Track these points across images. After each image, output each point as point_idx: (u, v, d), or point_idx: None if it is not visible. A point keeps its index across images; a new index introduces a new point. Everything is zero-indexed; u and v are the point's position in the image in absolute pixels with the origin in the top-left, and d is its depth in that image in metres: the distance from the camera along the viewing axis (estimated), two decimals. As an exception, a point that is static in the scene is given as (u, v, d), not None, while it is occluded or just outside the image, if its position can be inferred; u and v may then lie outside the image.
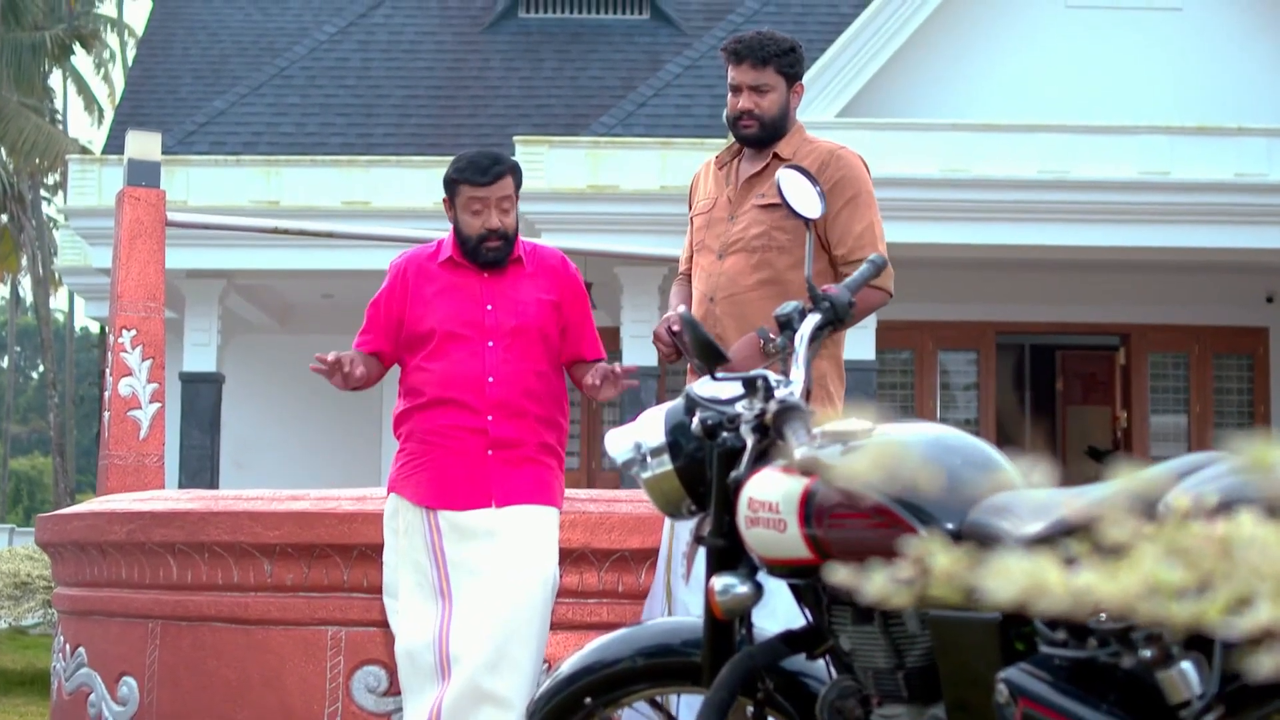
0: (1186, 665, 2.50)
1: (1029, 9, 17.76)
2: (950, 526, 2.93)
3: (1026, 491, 2.94)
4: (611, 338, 16.26)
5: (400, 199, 16.55)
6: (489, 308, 5.10)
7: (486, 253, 5.08)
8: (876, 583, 1.31)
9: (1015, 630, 2.82)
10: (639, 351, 16.67)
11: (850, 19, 18.04)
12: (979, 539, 2.87)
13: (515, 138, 16.70)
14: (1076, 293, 18.44)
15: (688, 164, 16.14)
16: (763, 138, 5.16)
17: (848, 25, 17.57)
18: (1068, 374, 21.03)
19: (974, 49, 17.72)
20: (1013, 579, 1.15)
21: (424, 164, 16.82)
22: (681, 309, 3.40)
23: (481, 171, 5.05)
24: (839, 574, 1.44)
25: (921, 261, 15.70)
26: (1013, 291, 18.43)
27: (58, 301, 44.29)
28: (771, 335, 4.91)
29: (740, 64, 5.15)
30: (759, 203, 5.11)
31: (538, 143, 16.64)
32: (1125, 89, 17.43)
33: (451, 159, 5.21)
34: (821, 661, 3.37)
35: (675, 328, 4.91)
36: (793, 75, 5.17)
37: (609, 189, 16.48)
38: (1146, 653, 2.53)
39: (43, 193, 38.22)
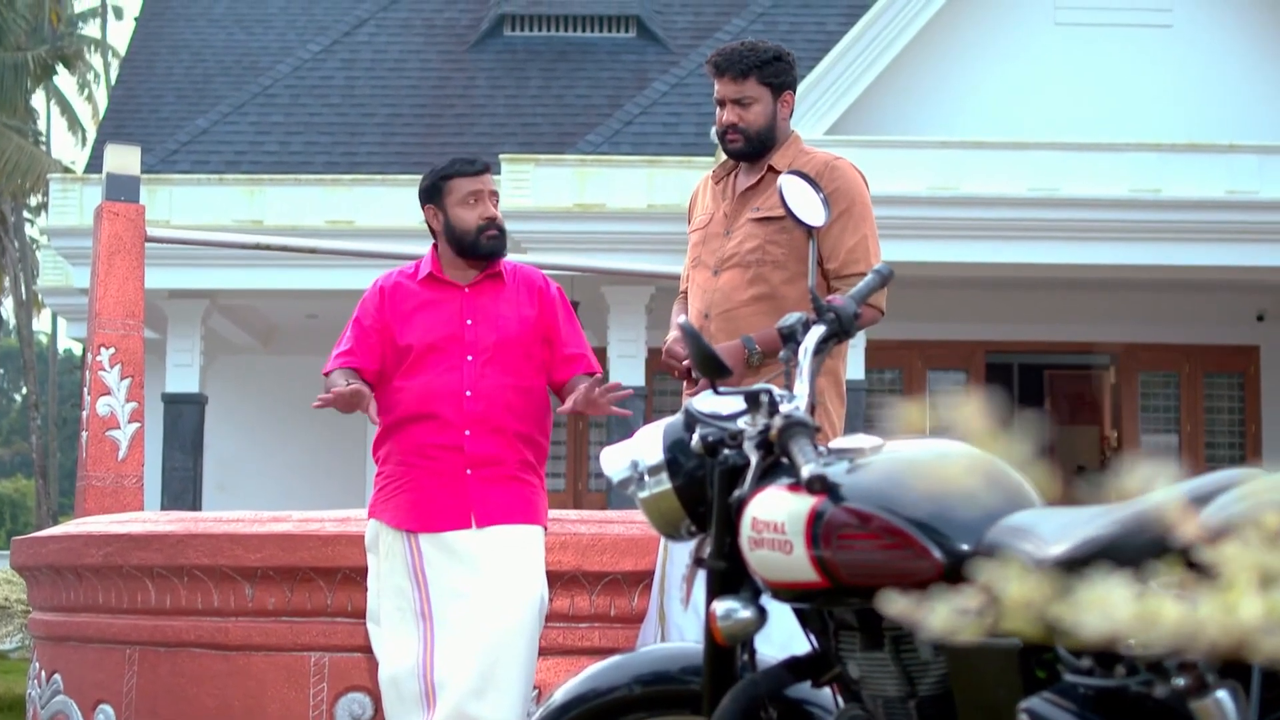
0: (1223, 694, 2.35)
1: (1018, 26, 17.68)
2: (965, 547, 2.78)
3: (1047, 510, 2.79)
4: (598, 358, 16.10)
5: (385, 218, 16.40)
6: (469, 322, 5.01)
7: (487, 242, 5.02)
8: (940, 614, 1.16)
9: (1036, 657, 2.67)
10: (626, 371, 16.54)
11: (838, 36, 17.94)
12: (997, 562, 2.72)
13: (501, 156, 16.56)
14: (1067, 311, 18.34)
15: (675, 183, 16.03)
16: (749, 151, 5.05)
17: (835, 43, 17.48)
18: (1055, 394, 20.93)
19: (963, 66, 17.64)
20: (1113, 612, 1.00)
21: (409, 183, 16.61)
22: (682, 319, 3.24)
23: (468, 162, 5.08)
24: (897, 604, 1.29)
25: (910, 280, 15.55)
26: (1002, 310, 18.32)
27: (41, 323, 44.16)
28: (757, 347, 4.80)
29: (722, 77, 5.06)
30: (754, 216, 5.01)
31: (524, 161, 16.52)
32: (1115, 106, 17.35)
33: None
34: (828, 690, 3.22)
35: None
36: (779, 85, 5.05)
37: (596, 208, 16.36)
38: (1180, 681, 2.38)
39: (25, 214, 38.03)
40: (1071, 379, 20.73)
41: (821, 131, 16.38)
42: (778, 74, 5.05)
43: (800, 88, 16.82)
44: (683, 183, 16.14)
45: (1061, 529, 2.63)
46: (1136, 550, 2.41)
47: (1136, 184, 15.94)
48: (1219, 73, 17.64)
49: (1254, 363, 18.97)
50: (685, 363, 4.92)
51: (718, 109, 5.10)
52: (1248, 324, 18.81)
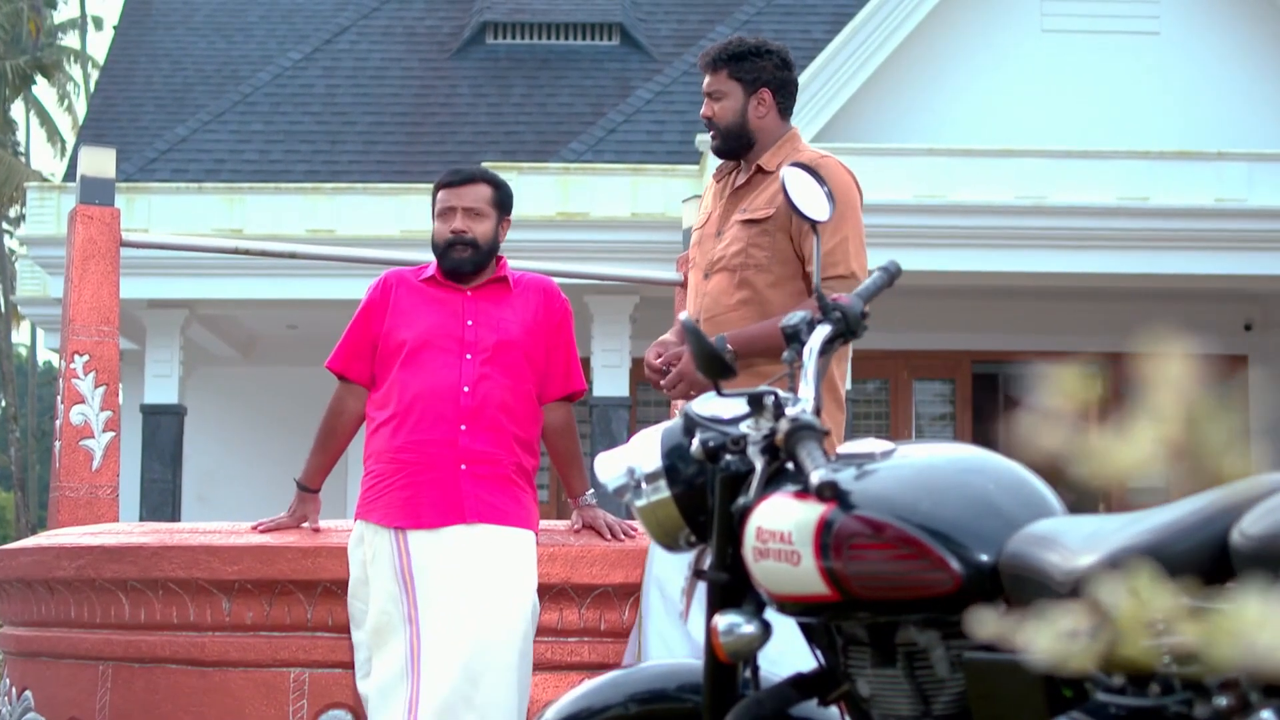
0: (1268, 715, 2.19)
1: (1005, 33, 17.57)
2: (985, 558, 2.62)
3: (1072, 518, 2.63)
4: (582, 368, 15.96)
5: (366, 227, 16.20)
6: (469, 323, 4.95)
7: (452, 257, 4.96)
8: (1044, 639, 0.99)
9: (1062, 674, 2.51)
10: (610, 381, 16.40)
11: (823, 44, 17.82)
12: (1020, 573, 2.56)
13: (484, 164, 16.40)
14: (1054, 321, 18.21)
15: (659, 191, 15.91)
16: (723, 148, 4.99)
17: (821, 50, 17.36)
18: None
19: (950, 73, 17.52)
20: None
21: (390, 191, 16.51)
22: (683, 315, 3.08)
23: (453, 173, 5.07)
24: (990, 626, 1.13)
25: (897, 289, 15.23)
26: (989, 320, 18.19)
27: (20, 336, 43.88)
28: (730, 347, 4.65)
29: (702, 72, 5.04)
30: (740, 218, 4.91)
31: (507, 169, 16.34)
32: (1104, 113, 17.24)
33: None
34: (834, 709, 3.05)
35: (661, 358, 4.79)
36: (752, 80, 4.94)
37: (579, 216, 16.22)
38: (1222, 700, 2.22)
39: (4, 225, 37.82)
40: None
41: (807, 139, 16.24)
42: (749, 70, 4.94)
43: (786, 95, 16.79)
44: (667, 191, 16.01)
45: (1090, 538, 2.46)
46: (1177, 559, 2.25)
47: (1125, 192, 15.84)
48: (1208, 80, 17.54)
49: (1242, 372, 18.85)
50: (659, 372, 4.82)
51: None
52: (1236, 334, 18.70)
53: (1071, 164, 15.99)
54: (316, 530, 5.22)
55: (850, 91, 16.87)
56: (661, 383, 4.83)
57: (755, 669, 3.06)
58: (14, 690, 5.94)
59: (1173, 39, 17.58)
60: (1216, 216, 15.86)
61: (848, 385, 16.14)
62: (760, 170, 4.92)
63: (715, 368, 3.04)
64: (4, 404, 34.98)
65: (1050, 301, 17.93)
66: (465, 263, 4.96)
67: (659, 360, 4.82)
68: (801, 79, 16.62)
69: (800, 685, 3.03)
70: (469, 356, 4.89)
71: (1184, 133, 16.93)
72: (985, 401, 19.59)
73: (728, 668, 3.04)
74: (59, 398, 6.77)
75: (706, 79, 4.98)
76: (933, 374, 18.66)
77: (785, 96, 5.01)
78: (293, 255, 7.19)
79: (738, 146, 4.96)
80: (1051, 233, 15.82)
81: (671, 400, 5.06)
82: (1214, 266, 16.07)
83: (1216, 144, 16.46)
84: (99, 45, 51.74)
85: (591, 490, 5.23)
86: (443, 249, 4.96)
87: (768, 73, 4.96)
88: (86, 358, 6.67)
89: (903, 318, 16.47)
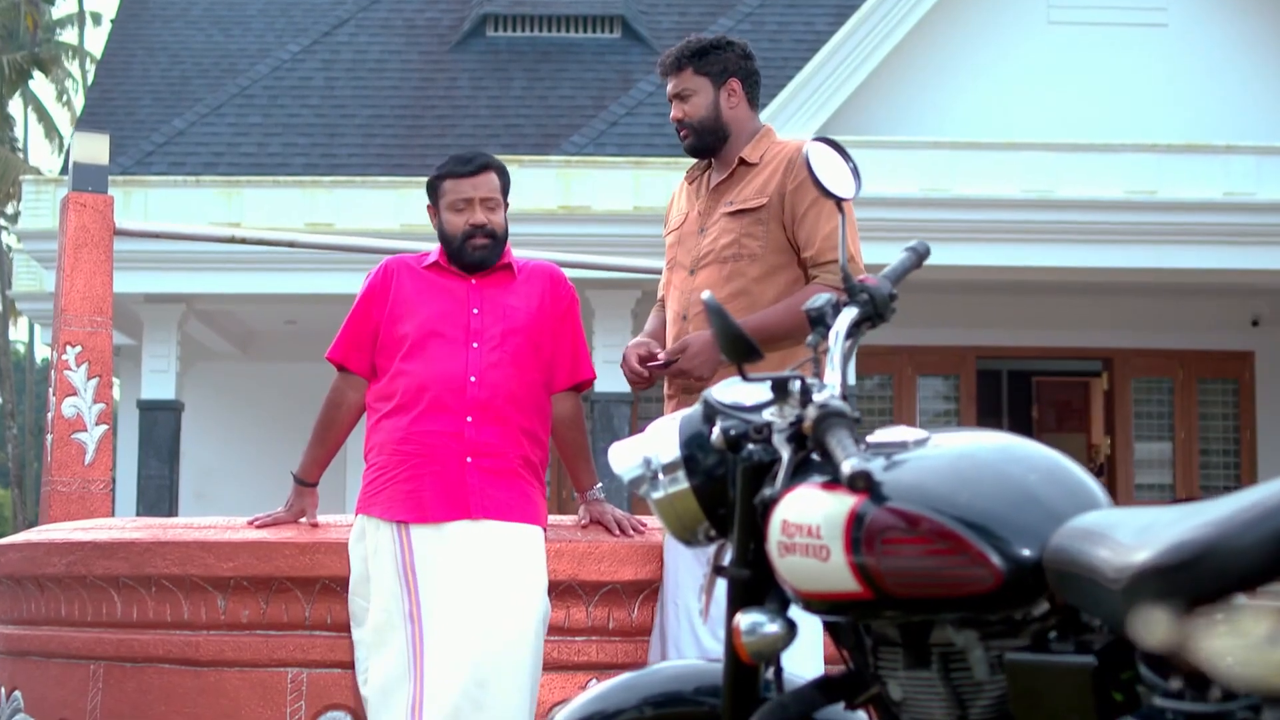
0: (1342, 723, 2.03)
1: (1011, 25, 17.45)
2: (1028, 553, 2.46)
3: (1120, 510, 2.46)
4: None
5: (365, 220, 16.01)
6: (475, 311, 4.81)
7: (472, 251, 4.82)
8: (1235, 648, 0.82)
9: (1112, 677, 2.35)
10: (611, 377, 16.20)
11: (827, 36, 17.70)
12: (1067, 569, 2.39)
13: (484, 157, 16.23)
14: (1060, 316, 18.09)
15: (661, 184, 15.76)
16: (700, 145, 4.90)
17: (824, 42, 17.25)
18: (1042, 402, 20.69)
19: (955, 66, 17.39)
20: None
21: (390, 184, 16.33)
22: (706, 294, 2.92)
23: (463, 162, 4.88)
24: (1160, 629, 0.96)
25: (901, 284, 15.27)
26: (994, 315, 18.06)
27: (18, 332, 43.76)
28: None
29: (665, 76, 4.95)
30: (727, 210, 4.82)
31: (508, 162, 16.05)
32: (1111, 106, 17.12)
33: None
34: (862, 713, 2.88)
35: (656, 351, 4.71)
36: (719, 73, 4.88)
37: (581, 210, 16.07)
38: (1292, 707, 2.05)
39: (2, 221, 37.69)
40: (1057, 387, 20.50)
41: (811, 132, 16.12)
42: (715, 62, 4.88)
43: (789, 88, 16.68)
44: (669, 184, 15.84)
45: (1144, 531, 2.29)
46: (1242, 553, 2.08)
47: (1132, 185, 15.71)
48: (1216, 73, 17.41)
49: (1249, 368, 18.72)
50: (646, 368, 4.73)
51: None
52: (1243, 329, 18.57)
53: (1078, 157, 15.85)
54: (314, 525, 5.07)
55: (855, 84, 16.76)
56: (668, 394, 4.75)
57: (779, 670, 2.90)
58: (3, 690, 5.80)
59: (1180, 32, 17.45)
60: (1224, 210, 15.73)
61: (850, 380, 16.01)
62: (743, 162, 4.86)
63: (740, 350, 2.87)
64: (1, 400, 34.85)
65: (1056, 296, 17.79)
66: (489, 256, 4.84)
67: (646, 371, 4.73)
68: (805, 72, 16.54)
69: (826, 688, 2.86)
70: (475, 345, 4.76)
71: (1192, 126, 16.80)
72: (989, 398, 19.45)
73: (749, 669, 2.88)
74: (51, 390, 6.62)
75: (671, 82, 4.91)
76: (937, 370, 18.51)
77: (752, 86, 4.96)
78: (291, 244, 7.04)
79: (713, 141, 4.89)
80: (1058, 226, 15.68)
81: (666, 397, 4.93)
82: (1221, 261, 15.93)
83: (1224, 137, 16.34)
84: (97, 41, 51.64)
85: (600, 484, 5.08)
86: (461, 241, 4.82)
87: (733, 63, 4.91)
88: (79, 349, 6.51)
89: (907, 313, 16.21)
